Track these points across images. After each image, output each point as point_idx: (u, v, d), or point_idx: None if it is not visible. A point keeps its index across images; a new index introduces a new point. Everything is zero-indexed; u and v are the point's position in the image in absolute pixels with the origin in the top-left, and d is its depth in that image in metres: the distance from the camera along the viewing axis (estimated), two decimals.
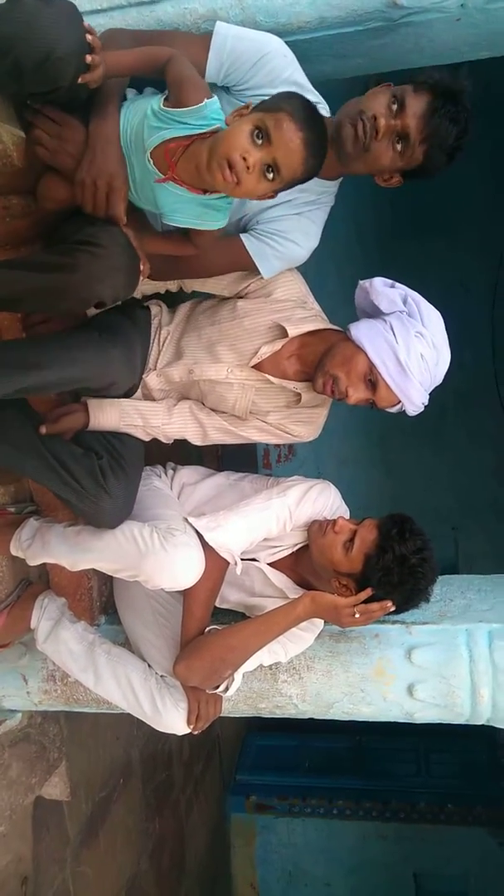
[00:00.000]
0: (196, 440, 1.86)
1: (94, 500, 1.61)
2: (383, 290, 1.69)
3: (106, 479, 1.63)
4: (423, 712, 1.90)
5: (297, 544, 1.86)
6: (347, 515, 1.91)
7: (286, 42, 1.65)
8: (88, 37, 1.32)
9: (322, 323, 1.80)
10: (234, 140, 1.32)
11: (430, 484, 4.52)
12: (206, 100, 1.39)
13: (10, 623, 1.89)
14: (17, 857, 2.20)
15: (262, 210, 1.75)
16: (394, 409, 1.70)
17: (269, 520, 1.76)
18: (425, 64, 1.91)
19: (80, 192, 1.47)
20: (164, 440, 1.85)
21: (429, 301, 1.72)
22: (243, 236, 1.75)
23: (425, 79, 1.55)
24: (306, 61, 1.69)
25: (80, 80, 1.32)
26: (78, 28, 1.32)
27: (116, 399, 1.77)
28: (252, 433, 1.84)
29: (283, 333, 1.75)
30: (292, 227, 1.75)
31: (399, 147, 1.57)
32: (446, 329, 1.72)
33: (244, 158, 1.31)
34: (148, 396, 1.84)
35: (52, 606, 1.89)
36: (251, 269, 1.76)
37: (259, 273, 1.75)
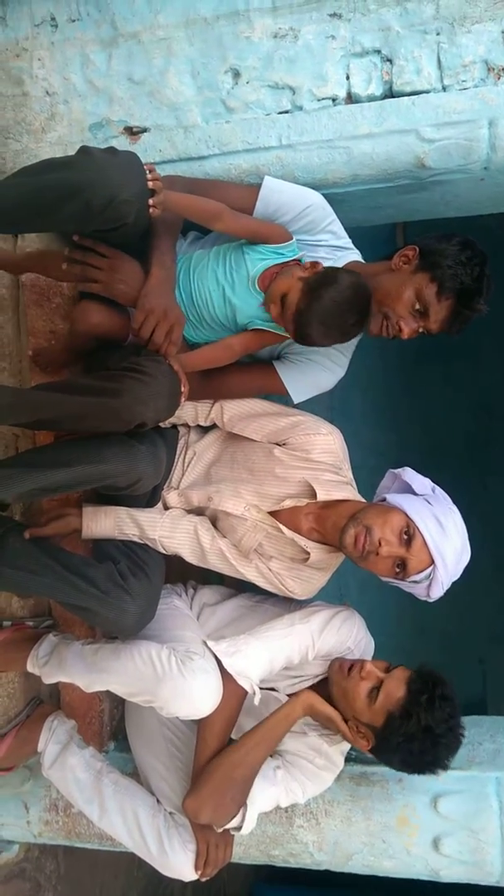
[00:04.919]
0: (192, 559, 1.83)
1: (116, 602, 1.59)
2: (415, 476, 1.74)
3: (126, 580, 1.62)
4: (450, 870, 1.76)
5: (318, 675, 1.80)
6: (372, 647, 1.85)
7: (322, 193, 1.80)
8: (149, 175, 1.50)
9: (351, 493, 1.79)
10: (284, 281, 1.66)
11: (456, 612, 4.35)
12: (293, 237, 1.73)
13: (16, 744, 1.82)
14: None
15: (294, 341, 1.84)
16: (420, 579, 1.64)
17: (291, 647, 1.71)
18: (451, 215, 2.06)
19: (141, 321, 1.56)
20: (162, 551, 1.83)
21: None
22: (276, 362, 1.85)
23: (451, 283, 1.64)
24: (339, 210, 1.83)
25: (150, 210, 1.52)
26: (140, 175, 1.50)
27: (113, 507, 1.79)
28: (250, 572, 1.80)
29: (312, 493, 1.75)
30: (323, 357, 1.84)
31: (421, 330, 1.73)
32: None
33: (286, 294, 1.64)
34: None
35: (61, 729, 1.82)
36: (281, 393, 1.83)
37: (291, 400, 1.82)
